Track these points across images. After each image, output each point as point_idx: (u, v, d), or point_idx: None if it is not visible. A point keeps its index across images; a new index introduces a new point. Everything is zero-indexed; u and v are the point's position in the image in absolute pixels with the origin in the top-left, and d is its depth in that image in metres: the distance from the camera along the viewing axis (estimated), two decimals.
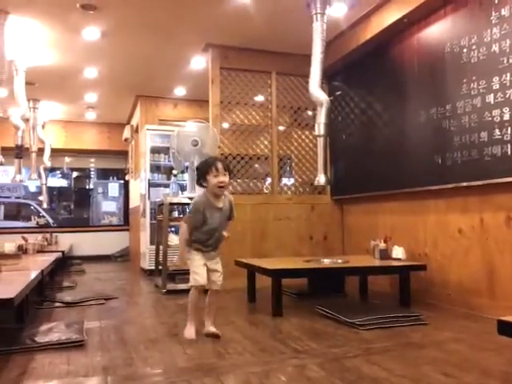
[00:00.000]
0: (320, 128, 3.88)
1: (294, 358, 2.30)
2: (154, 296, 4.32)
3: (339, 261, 3.73)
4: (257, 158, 5.15)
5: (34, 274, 3.22)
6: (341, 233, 5.16)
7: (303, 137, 5.27)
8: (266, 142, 5.10)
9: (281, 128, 5.24)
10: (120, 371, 2.12)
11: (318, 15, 3.97)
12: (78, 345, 2.54)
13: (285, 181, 5.53)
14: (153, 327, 3.04)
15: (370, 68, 4.50)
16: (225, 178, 2.56)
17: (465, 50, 3.30)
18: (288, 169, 5.62)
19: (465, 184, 3.25)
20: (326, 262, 3.72)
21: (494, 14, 3.04)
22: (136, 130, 7.44)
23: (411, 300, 3.50)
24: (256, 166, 5.20)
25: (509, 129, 2.90)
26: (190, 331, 2.69)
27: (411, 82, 3.90)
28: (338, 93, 5.06)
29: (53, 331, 2.76)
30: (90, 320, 3.17)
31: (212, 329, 2.72)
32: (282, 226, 4.91)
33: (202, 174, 2.60)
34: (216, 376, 2.04)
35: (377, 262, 3.72)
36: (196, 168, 2.69)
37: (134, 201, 7.37)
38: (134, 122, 7.70)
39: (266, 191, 5.12)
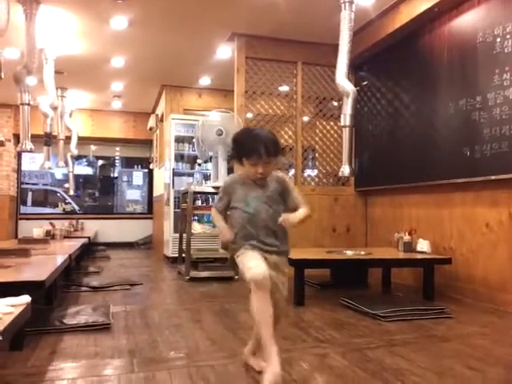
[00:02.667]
0: (346, 119, 3.84)
1: (316, 346, 2.31)
2: (177, 283, 4.39)
3: (362, 252, 3.71)
4: (282, 148, 5.13)
5: (62, 258, 3.30)
6: (364, 225, 5.12)
7: (328, 127, 5.23)
8: (290, 133, 5.08)
9: (305, 118, 5.21)
10: (145, 354, 2.17)
11: (347, 4, 3.90)
12: (104, 327, 2.60)
13: (308, 172, 5.51)
14: (176, 313, 3.09)
15: (397, 58, 4.42)
16: (266, 169, 1.83)
17: (498, 40, 3.21)
18: (312, 160, 5.59)
19: (493, 177, 3.18)
20: (349, 253, 3.71)
21: None
22: (161, 120, 7.50)
23: (435, 294, 3.46)
24: (280, 156, 5.19)
25: None
26: (258, 364, 1.93)
27: (440, 72, 3.81)
28: (365, 83, 5.00)
29: (80, 314, 2.83)
30: (115, 304, 3.23)
31: (273, 368, 1.70)
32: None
33: (238, 155, 1.88)
34: (239, 361, 2.06)
35: (401, 255, 3.68)
36: (232, 140, 1.93)
37: (158, 189, 7.46)
38: (158, 111, 7.76)
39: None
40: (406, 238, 3.76)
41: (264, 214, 1.87)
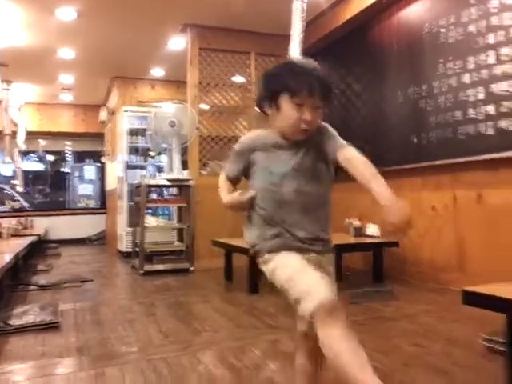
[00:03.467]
0: None
1: (268, 333, 2.33)
2: (131, 277, 4.30)
3: None
4: (236, 139, 5.10)
5: (8, 258, 3.16)
6: None
7: None
8: (245, 123, 5.06)
9: None
10: (95, 351, 2.11)
11: None
12: (52, 326, 2.51)
13: None
14: (129, 308, 3.02)
15: (350, 48, 4.48)
16: (315, 117, 1.20)
17: (443, 30, 3.31)
18: None
19: (438, 162, 3.29)
20: None
21: None
22: (113, 112, 7.30)
23: (384, 276, 3.57)
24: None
25: (482, 108, 2.94)
26: None
27: (390, 62, 3.90)
28: None
29: (27, 314, 2.73)
30: (65, 302, 3.13)
31: None
32: None
33: (273, 92, 1.21)
34: (192, 353, 2.04)
35: (351, 240, 3.77)
36: (265, 75, 1.28)
37: (111, 183, 7.27)
38: (110, 103, 7.55)
39: None
40: (356, 223, 3.85)
41: (299, 184, 1.21)
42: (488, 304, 1.56)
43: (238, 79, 5.22)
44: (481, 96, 2.95)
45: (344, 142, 1.28)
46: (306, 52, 4.26)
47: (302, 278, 1.14)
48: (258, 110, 1.31)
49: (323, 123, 1.27)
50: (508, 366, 1.50)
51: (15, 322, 2.56)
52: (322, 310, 1.06)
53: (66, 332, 2.44)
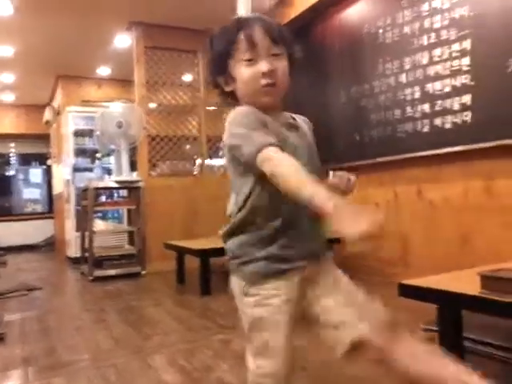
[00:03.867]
0: None
1: (219, 333, 2.35)
2: (80, 284, 4.20)
3: None
4: (185, 138, 5.09)
5: None
6: None
7: None
8: (194, 123, 5.05)
9: (210, 108, 5.20)
10: (42, 361, 2.07)
11: None
12: None
13: (216, 161, 5.52)
14: (78, 315, 2.97)
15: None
16: (273, 64, 1.00)
17: (381, 31, 3.43)
18: (219, 149, 5.61)
19: (380, 160, 3.43)
20: None
21: None
22: (58, 112, 7.06)
23: None
24: (187, 146, 5.15)
25: (419, 106, 3.09)
26: None
27: (334, 61, 4.00)
28: None
29: None
30: (10, 313, 3.03)
31: None
32: (213, 206, 4.91)
33: (220, 59, 1.05)
34: (142, 357, 2.04)
35: None
36: (207, 43, 1.09)
37: (58, 187, 7.03)
38: (55, 103, 7.30)
39: (195, 172, 5.09)
40: None
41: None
42: (421, 295, 1.66)
43: (187, 78, 5.20)
44: (417, 95, 3.10)
45: None
46: None
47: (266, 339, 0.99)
48: (215, 89, 1.10)
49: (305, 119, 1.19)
50: None
51: None
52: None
53: (11, 343, 2.37)
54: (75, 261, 5.37)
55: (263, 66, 0.99)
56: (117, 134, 4.40)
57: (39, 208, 9.25)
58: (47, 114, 7.35)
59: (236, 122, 0.99)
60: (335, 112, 3.97)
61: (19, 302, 3.44)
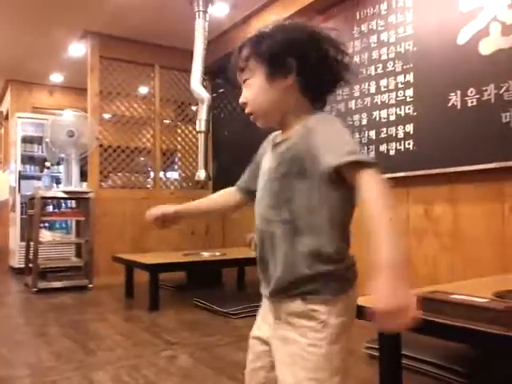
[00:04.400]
0: (201, 124, 3.97)
1: (166, 349, 2.35)
2: (22, 296, 4.04)
3: (217, 253, 3.85)
4: (139, 151, 5.06)
5: None
6: (221, 227, 5.30)
7: (187, 131, 5.30)
8: (148, 136, 5.04)
9: (166, 121, 5.21)
10: None
11: (201, 13, 4.05)
12: None
13: (169, 175, 5.52)
14: (19, 328, 2.87)
15: None
16: (245, 92, 0.99)
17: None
18: (173, 163, 5.61)
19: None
20: (205, 254, 3.82)
21: (356, 28, 3.37)
22: (6, 117, 6.82)
23: None
24: (141, 159, 5.11)
25: (366, 132, 3.26)
26: None
27: None
28: (221, 90, 5.18)
29: None
30: None
31: None
32: None
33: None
34: (85, 373, 2.02)
35: (253, 254, 3.90)
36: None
37: (3, 194, 6.76)
38: (3, 108, 7.05)
39: (148, 186, 5.06)
40: None
41: (265, 211, 0.96)
42: (362, 315, 1.75)
43: (142, 90, 5.19)
44: (364, 121, 3.27)
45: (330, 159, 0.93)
46: (209, 68, 4.39)
47: None
48: None
49: (311, 122, 0.91)
50: (381, 369, 1.67)
51: None
52: None
53: None
54: (18, 271, 5.16)
55: (240, 99, 0.99)
56: (67, 142, 4.31)
57: None
58: None
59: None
60: None
61: None
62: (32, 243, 4.17)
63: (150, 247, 4.67)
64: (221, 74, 5.19)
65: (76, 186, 4.28)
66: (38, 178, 5.72)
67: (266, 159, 1.01)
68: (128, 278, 3.74)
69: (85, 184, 4.59)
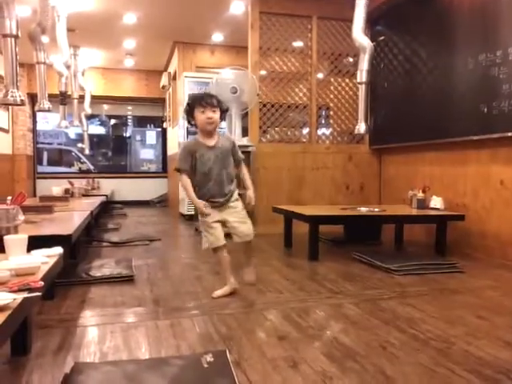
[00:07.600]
0: (362, 75, 3.81)
1: (330, 297, 2.42)
2: (194, 239, 4.51)
3: (376, 209, 3.77)
4: (295, 106, 5.12)
5: (84, 215, 3.40)
6: (378, 183, 5.16)
7: (343, 84, 5.18)
8: (304, 90, 5.04)
9: (320, 75, 5.15)
10: (169, 303, 2.29)
11: None
12: (128, 279, 2.73)
13: (323, 130, 5.50)
14: (196, 266, 3.20)
15: (416, 11, 4.31)
16: (213, 114, 2.30)
17: None
18: (326, 118, 5.57)
19: (510, 134, 3.17)
20: (363, 210, 3.77)
21: None
22: (173, 78, 7.45)
23: (447, 250, 3.53)
24: (294, 114, 5.18)
25: None
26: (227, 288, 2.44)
27: (460, 26, 3.73)
28: (381, 38, 4.89)
29: (104, 267, 2.97)
30: (137, 258, 3.36)
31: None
32: (319, 174, 4.94)
33: (190, 110, 2.36)
34: (259, 311, 2.18)
35: (414, 212, 3.74)
36: (187, 103, 2.38)
37: (172, 148, 7.51)
38: (171, 69, 7.70)
39: (303, 140, 5.13)
40: (420, 195, 3.80)
41: (216, 170, 2.36)
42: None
43: (299, 44, 5.17)
44: None
45: (241, 156, 2.50)
46: (370, 15, 4.15)
47: (206, 228, 2.42)
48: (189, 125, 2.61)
49: (232, 138, 2.59)
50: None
51: (95, 273, 2.80)
52: (209, 248, 2.47)
53: (141, 285, 2.64)
54: (188, 217, 5.77)
55: (209, 114, 2.32)
56: (230, 99, 4.55)
57: (154, 167, 9.98)
58: (164, 79, 7.80)
59: (182, 145, 2.56)
60: (459, 81, 3.72)
61: (143, 250, 3.81)
62: None
63: (305, 200, 4.78)
64: (382, 20, 4.89)
65: (239, 140, 4.53)
66: None
67: (206, 153, 2.35)
68: (287, 229, 3.90)
69: (245, 138, 4.83)
